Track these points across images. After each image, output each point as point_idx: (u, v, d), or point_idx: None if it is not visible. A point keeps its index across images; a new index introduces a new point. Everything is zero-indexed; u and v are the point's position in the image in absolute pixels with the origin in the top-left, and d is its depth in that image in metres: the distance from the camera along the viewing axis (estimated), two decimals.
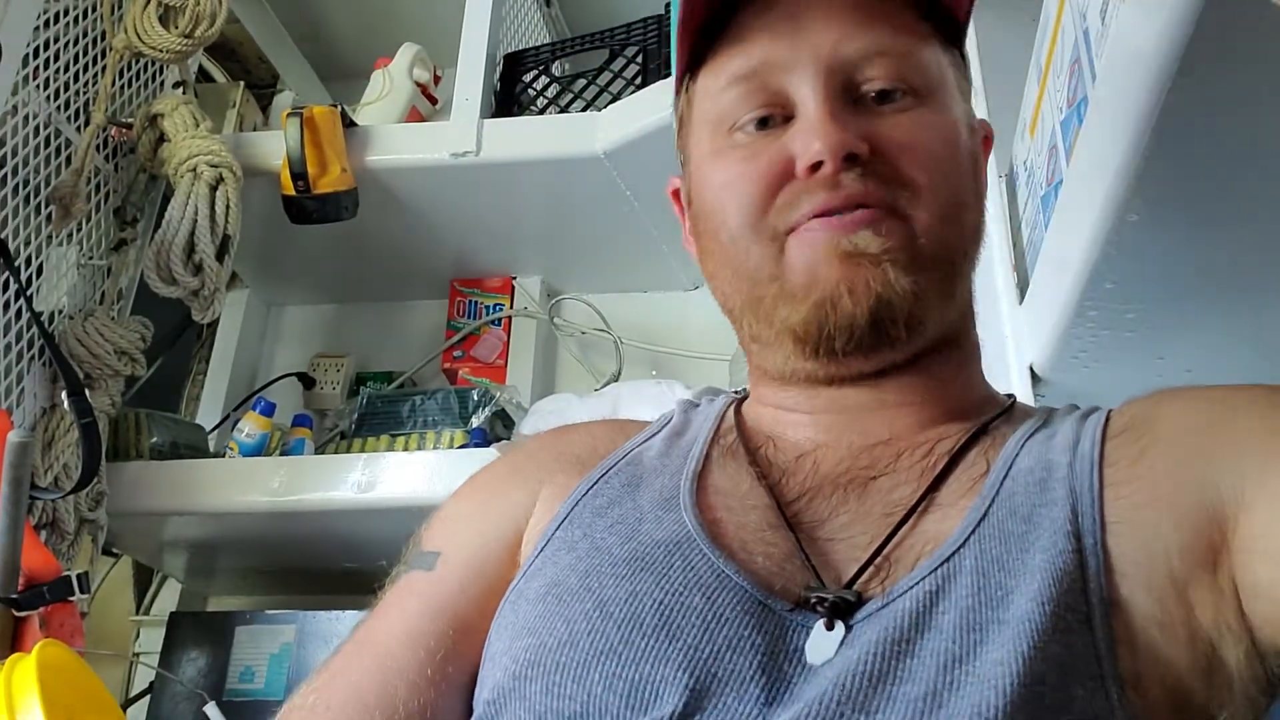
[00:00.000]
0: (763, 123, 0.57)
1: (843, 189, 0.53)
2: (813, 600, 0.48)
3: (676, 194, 0.67)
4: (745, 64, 0.57)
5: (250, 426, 1.47)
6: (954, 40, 0.61)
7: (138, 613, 1.66)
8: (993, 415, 0.58)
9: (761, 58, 0.56)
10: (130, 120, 1.42)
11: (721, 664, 0.45)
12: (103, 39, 1.40)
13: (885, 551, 0.50)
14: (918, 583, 0.47)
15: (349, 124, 1.45)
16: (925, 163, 0.55)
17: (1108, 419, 0.54)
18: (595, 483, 0.59)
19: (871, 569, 0.49)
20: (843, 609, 0.47)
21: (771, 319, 0.56)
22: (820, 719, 0.42)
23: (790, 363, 0.57)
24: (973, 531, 0.49)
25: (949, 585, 0.46)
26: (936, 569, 0.47)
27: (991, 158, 0.99)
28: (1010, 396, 0.63)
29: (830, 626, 0.47)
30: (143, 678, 1.55)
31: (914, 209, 0.54)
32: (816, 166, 0.53)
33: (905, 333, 0.54)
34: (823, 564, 0.50)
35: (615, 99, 1.49)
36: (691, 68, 0.61)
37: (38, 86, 1.29)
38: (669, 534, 0.53)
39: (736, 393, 0.69)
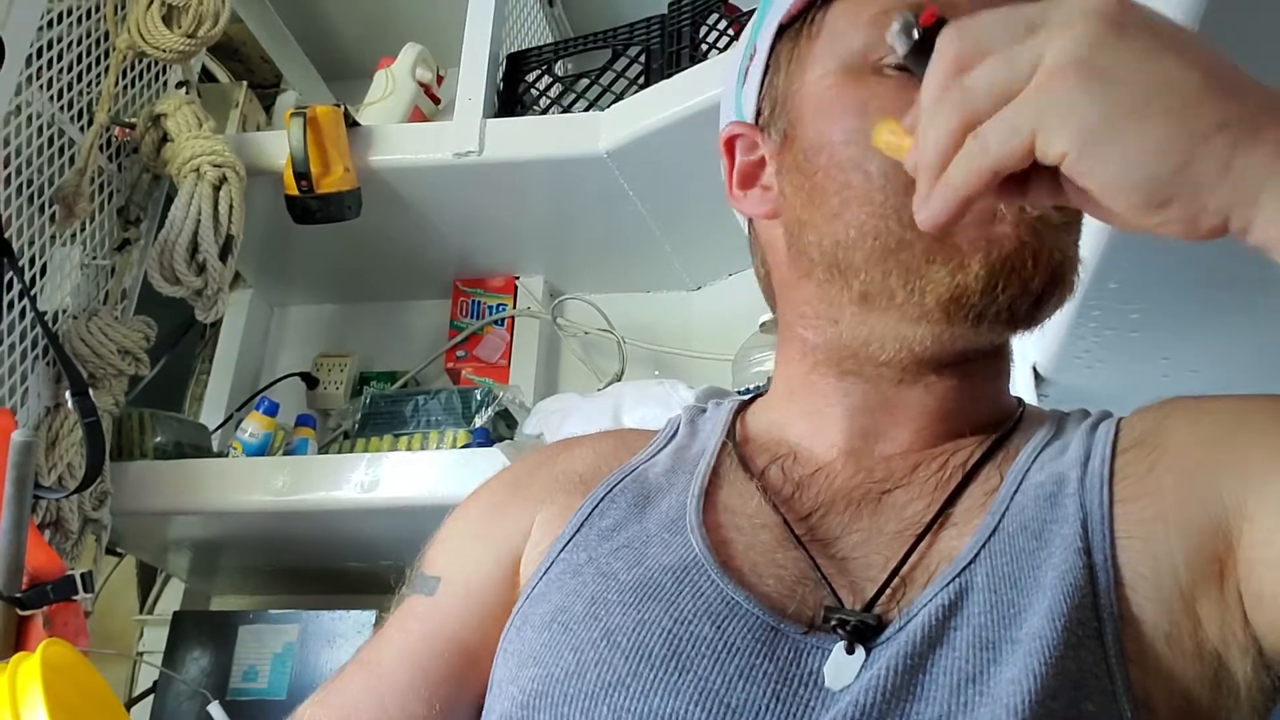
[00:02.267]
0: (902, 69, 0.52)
1: None
2: (833, 623, 0.47)
3: (730, 143, 0.62)
4: None
5: (254, 426, 1.47)
6: None
7: (141, 612, 1.66)
8: (1008, 428, 0.57)
9: None
10: (133, 120, 1.43)
11: (734, 694, 0.45)
12: (106, 39, 1.40)
13: (902, 572, 0.49)
14: (931, 599, 0.47)
15: (352, 124, 1.45)
16: None
17: (1118, 430, 0.53)
18: (600, 501, 0.58)
19: (889, 591, 0.49)
20: (864, 633, 0.46)
21: (915, 274, 0.51)
22: None
23: (912, 329, 0.53)
24: (983, 546, 0.48)
25: (961, 601, 0.46)
26: (948, 584, 0.47)
27: None
28: (1019, 400, 0.62)
29: (851, 650, 0.46)
30: (146, 677, 1.55)
31: None
32: None
33: (1057, 307, 0.53)
34: (838, 584, 0.50)
35: (618, 99, 1.48)
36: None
37: (41, 87, 1.29)
38: (676, 559, 0.52)
39: (742, 393, 0.68)
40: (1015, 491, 0.51)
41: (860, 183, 0.53)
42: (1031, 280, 0.50)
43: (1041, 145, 0.35)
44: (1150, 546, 0.47)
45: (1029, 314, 0.52)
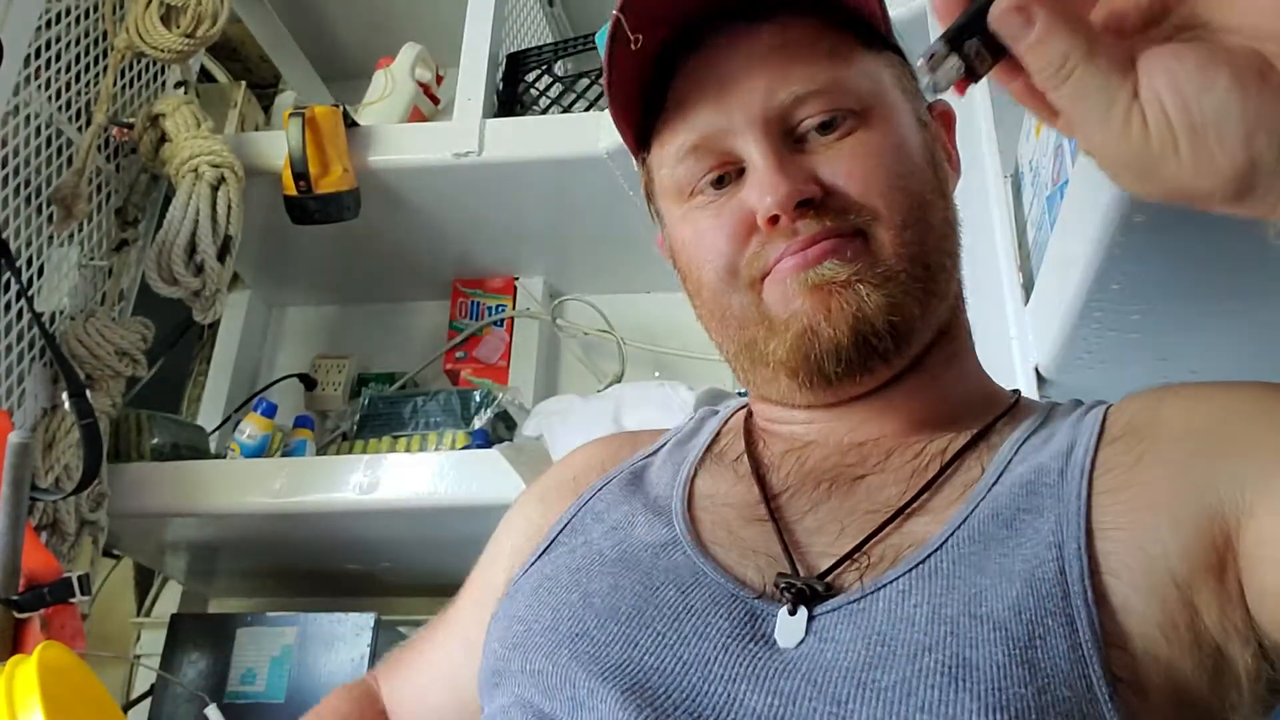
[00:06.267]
0: (719, 180, 0.59)
1: (801, 234, 0.55)
2: (781, 586, 0.50)
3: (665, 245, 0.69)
4: (688, 138, 0.59)
5: (252, 428, 1.47)
6: (884, 40, 0.62)
7: (139, 615, 1.66)
8: (994, 418, 0.58)
9: (701, 129, 0.58)
10: (132, 120, 1.42)
11: (688, 648, 0.48)
12: (104, 39, 1.40)
13: (866, 547, 0.51)
14: (895, 579, 0.48)
15: (351, 124, 1.45)
16: (876, 183, 0.56)
17: (1105, 420, 0.54)
18: (598, 490, 0.64)
19: (849, 563, 0.51)
20: (808, 596, 0.49)
21: (765, 357, 0.57)
22: (792, 711, 0.44)
23: (789, 396, 0.60)
24: (951, 535, 0.50)
25: (924, 584, 0.48)
26: (914, 568, 0.49)
27: (997, 158, 0.98)
28: (1015, 392, 0.63)
29: (793, 612, 0.49)
30: (144, 680, 1.55)
31: (875, 228, 0.56)
32: (775, 219, 0.55)
33: (893, 344, 0.56)
34: (799, 556, 0.53)
35: None
36: (644, 140, 0.63)
37: (39, 87, 1.28)
38: (657, 537, 0.56)
39: (743, 394, 0.71)
40: (994, 483, 0.52)
41: (703, 302, 0.61)
42: (837, 338, 0.54)
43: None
44: (1137, 536, 0.46)
45: (863, 362, 0.55)
